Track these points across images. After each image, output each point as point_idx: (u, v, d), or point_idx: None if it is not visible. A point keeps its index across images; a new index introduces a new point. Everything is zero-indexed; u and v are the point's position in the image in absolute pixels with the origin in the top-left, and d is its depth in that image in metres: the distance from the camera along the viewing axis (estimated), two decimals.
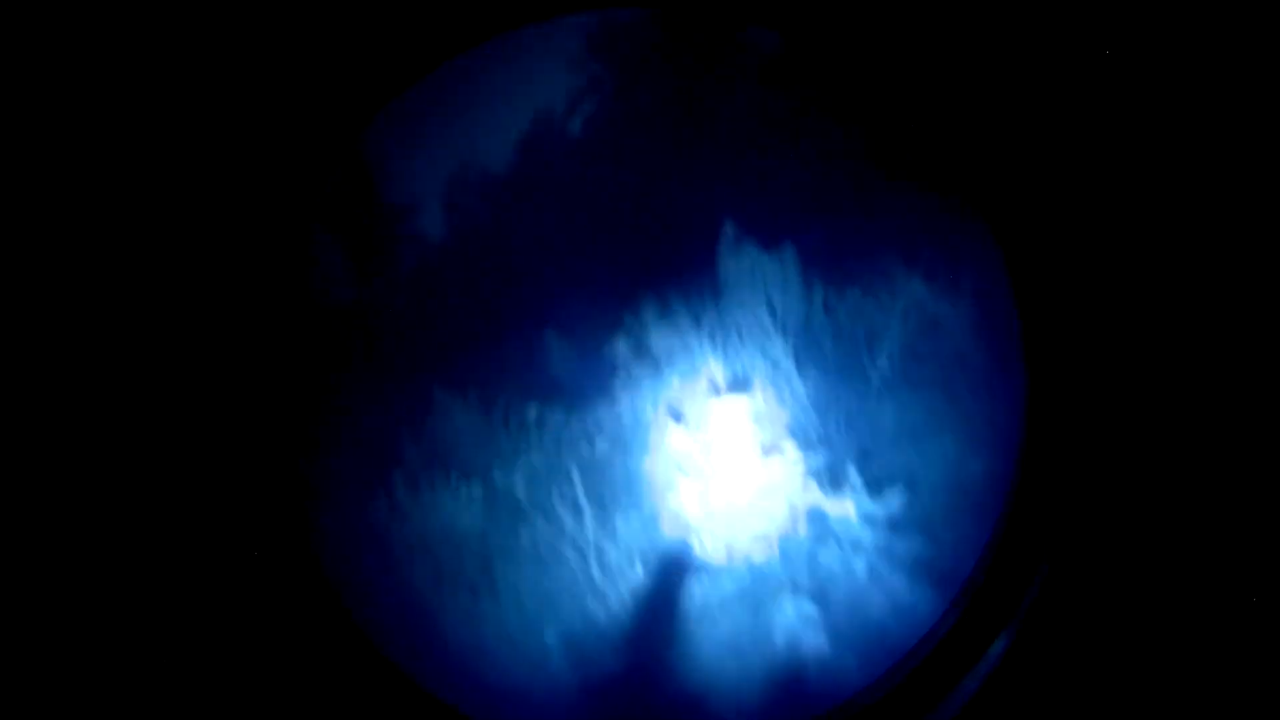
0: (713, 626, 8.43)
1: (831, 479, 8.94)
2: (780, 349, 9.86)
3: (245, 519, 4.61)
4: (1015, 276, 4.56)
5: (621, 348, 11.50)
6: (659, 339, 11.21)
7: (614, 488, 9.75)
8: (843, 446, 9.01)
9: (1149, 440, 4.09)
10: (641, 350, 11.39)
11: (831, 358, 9.52)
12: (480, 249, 19.29)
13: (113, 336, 4.13)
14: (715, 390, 10.20)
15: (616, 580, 9.01)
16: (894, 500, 8.47)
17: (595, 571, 9.06)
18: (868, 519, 8.56)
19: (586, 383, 11.44)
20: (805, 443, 9.34)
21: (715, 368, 10.09)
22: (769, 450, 9.50)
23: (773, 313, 9.81)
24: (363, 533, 9.41)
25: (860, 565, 8.29)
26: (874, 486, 8.68)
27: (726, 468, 9.39)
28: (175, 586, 4.26)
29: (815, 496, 8.94)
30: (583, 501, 9.62)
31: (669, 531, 9.41)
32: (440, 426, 10.89)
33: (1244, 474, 4.03)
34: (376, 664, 5.41)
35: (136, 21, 3.97)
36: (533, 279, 17.27)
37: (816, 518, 8.88)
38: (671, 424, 10.02)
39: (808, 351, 9.65)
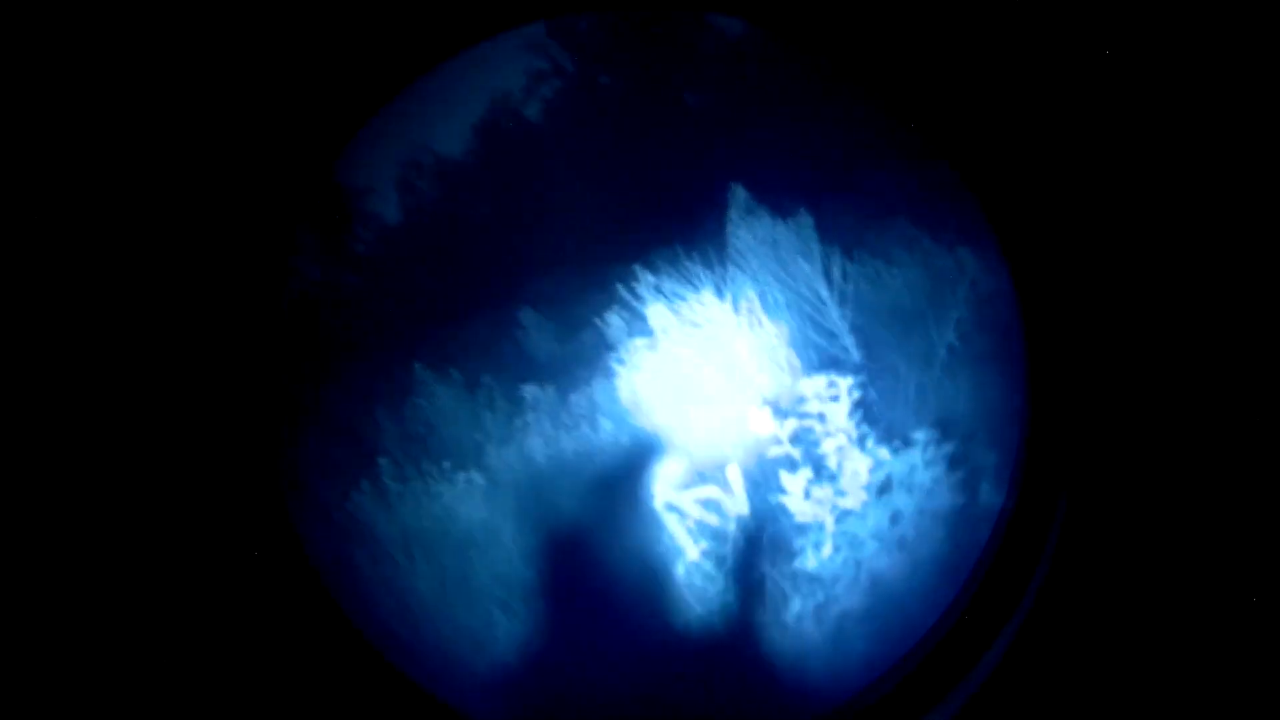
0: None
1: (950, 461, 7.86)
2: (835, 321, 8.81)
3: (222, 509, 4.28)
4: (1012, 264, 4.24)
5: (616, 322, 10.47)
6: (659, 312, 10.19)
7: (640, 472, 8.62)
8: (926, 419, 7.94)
9: (1147, 439, 3.90)
10: (638, 324, 10.39)
11: (885, 326, 8.52)
12: (441, 229, 18.29)
13: (75, 330, 3.97)
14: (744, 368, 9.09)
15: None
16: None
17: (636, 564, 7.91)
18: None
19: (580, 360, 10.40)
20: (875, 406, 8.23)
21: (759, 347, 8.94)
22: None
23: (802, 282, 8.77)
24: (348, 525, 8.23)
25: None
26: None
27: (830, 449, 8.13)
28: (151, 578, 4.04)
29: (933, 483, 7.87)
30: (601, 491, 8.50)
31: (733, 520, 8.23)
32: (422, 408, 9.75)
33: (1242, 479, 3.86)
34: (364, 654, 5.04)
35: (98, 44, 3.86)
36: (504, 257, 16.25)
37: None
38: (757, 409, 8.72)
39: (864, 323, 8.60)
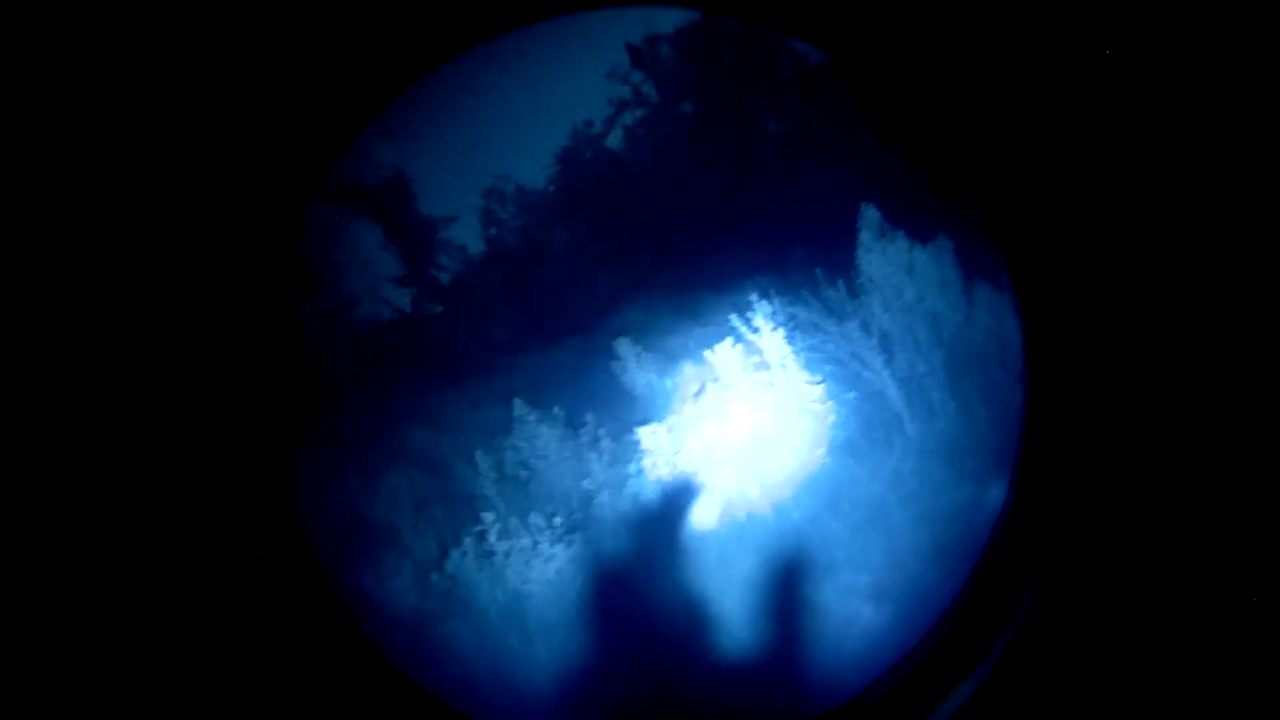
0: None
1: None
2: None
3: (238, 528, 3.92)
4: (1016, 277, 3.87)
5: (727, 354, 9.34)
6: (776, 345, 9.03)
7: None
8: None
9: (1148, 449, 3.68)
10: (753, 358, 9.25)
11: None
12: (524, 257, 17.61)
13: (156, 368, 3.69)
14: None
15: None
16: None
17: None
18: None
19: (688, 396, 9.28)
20: None
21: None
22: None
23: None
24: (447, 591, 7.07)
25: None
26: None
27: None
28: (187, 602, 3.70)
29: None
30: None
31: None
32: (523, 450, 8.66)
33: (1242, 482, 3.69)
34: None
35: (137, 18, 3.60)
36: (591, 285, 15.35)
37: None
38: None
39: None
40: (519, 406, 8.67)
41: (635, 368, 10.25)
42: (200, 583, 3.71)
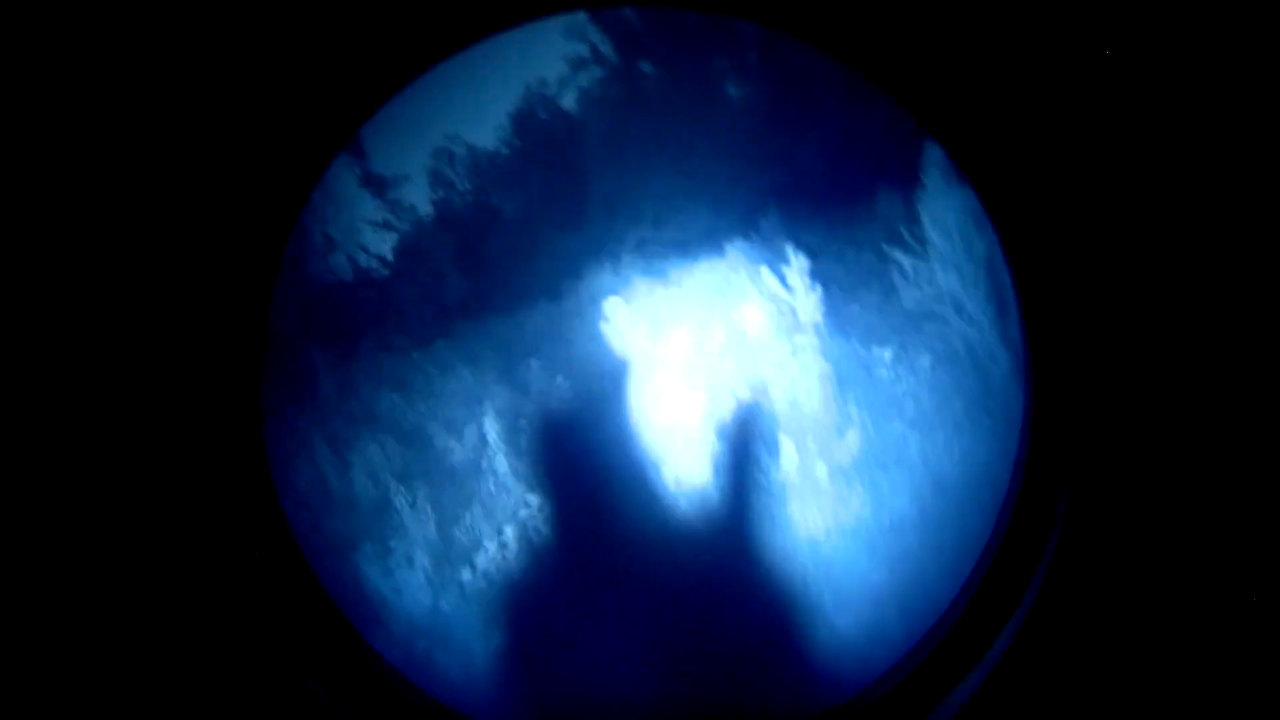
0: None
1: None
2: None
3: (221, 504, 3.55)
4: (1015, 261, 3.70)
5: (756, 317, 8.02)
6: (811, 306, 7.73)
7: None
8: None
9: (1150, 437, 3.56)
10: (788, 319, 7.97)
11: None
12: (489, 222, 16.24)
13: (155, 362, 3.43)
14: None
15: None
16: None
17: None
18: None
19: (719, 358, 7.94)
20: None
21: None
22: None
23: None
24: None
25: None
26: None
27: None
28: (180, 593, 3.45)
29: None
30: None
31: None
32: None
33: (1245, 479, 3.51)
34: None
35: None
36: (563, 252, 13.97)
37: None
38: None
39: None
40: (533, 369, 7.18)
41: (628, 331, 8.94)
42: (175, 564, 3.33)
